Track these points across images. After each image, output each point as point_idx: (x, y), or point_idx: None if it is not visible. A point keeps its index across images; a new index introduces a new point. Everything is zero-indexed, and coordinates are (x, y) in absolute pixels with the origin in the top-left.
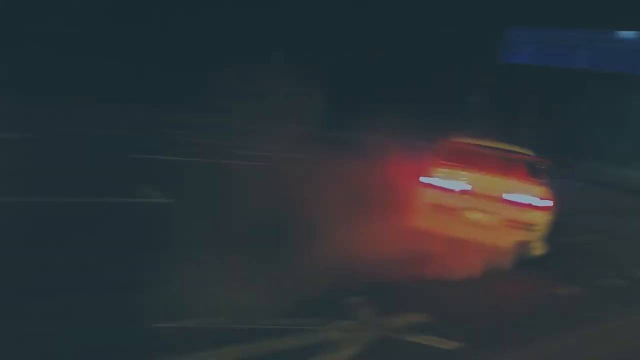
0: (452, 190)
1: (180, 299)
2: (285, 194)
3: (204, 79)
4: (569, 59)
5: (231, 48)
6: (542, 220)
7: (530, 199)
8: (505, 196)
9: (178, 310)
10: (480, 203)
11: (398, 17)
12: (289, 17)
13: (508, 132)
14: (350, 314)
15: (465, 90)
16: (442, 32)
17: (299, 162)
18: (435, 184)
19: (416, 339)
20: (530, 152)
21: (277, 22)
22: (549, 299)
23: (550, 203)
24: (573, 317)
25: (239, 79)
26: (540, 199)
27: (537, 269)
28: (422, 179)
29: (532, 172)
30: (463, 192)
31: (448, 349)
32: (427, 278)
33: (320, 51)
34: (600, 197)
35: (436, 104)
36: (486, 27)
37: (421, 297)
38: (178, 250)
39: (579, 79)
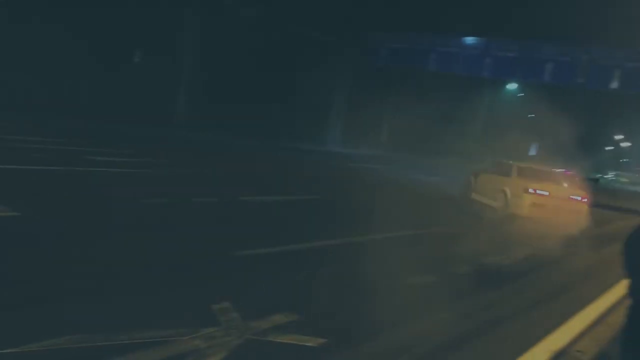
0: (542, 195)
1: (26, 320)
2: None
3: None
4: (422, 61)
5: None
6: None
7: (579, 197)
8: (570, 197)
9: (21, 333)
10: (558, 201)
11: (263, 20)
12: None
13: (368, 133)
14: (214, 320)
15: (325, 92)
16: (303, 34)
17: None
18: (533, 191)
19: (281, 339)
20: (569, 170)
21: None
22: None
23: (587, 199)
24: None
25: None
26: (582, 197)
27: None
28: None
29: (575, 181)
30: (548, 195)
31: (312, 345)
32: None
33: (182, 51)
34: None
35: (298, 109)
36: (344, 31)
37: (287, 296)
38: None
39: (432, 81)
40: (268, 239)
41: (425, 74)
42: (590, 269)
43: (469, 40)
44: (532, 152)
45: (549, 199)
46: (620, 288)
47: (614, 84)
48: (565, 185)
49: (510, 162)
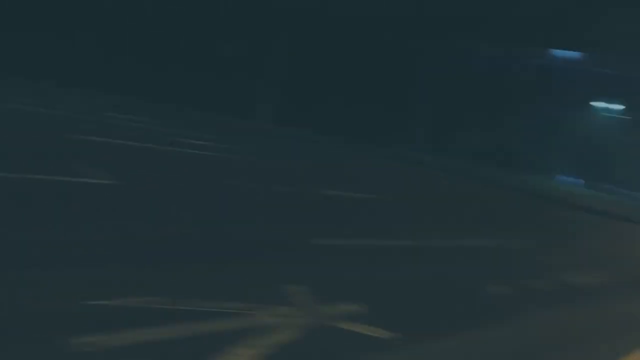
0: None
1: (114, 278)
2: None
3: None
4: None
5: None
6: None
7: None
8: None
9: (111, 288)
10: None
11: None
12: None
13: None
14: (287, 300)
15: (412, 96)
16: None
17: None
18: None
19: (351, 327)
20: None
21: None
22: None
23: None
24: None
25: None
26: None
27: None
28: None
29: None
30: None
31: (381, 337)
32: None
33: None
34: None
35: (380, 110)
36: (431, 38)
37: (361, 286)
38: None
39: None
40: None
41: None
42: None
43: (565, 53)
44: None
45: None
46: None
47: None
48: None
49: None
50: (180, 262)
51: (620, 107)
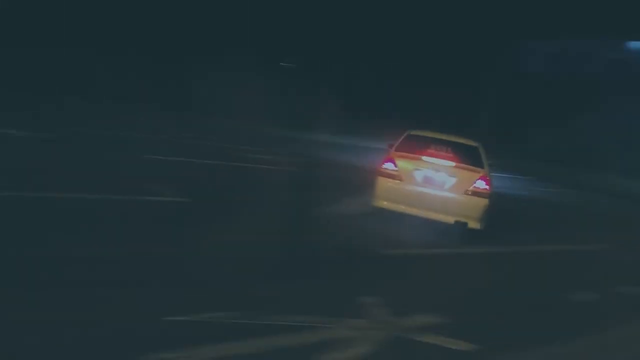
0: None
1: (192, 293)
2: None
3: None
4: (578, 68)
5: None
6: None
7: None
8: None
9: (190, 304)
10: None
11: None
12: (300, 22)
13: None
14: (363, 313)
15: (475, 101)
16: (450, 42)
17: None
18: None
19: (430, 340)
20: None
21: (287, 26)
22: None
23: None
24: (590, 323)
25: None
26: None
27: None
28: None
29: None
30: None
31: (462, 349)
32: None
33: (331, 58)
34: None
35: (446, 114)
36: (496, 38)
37: (435, 298)
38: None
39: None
40: None
41: (583, 80)
42: None
43: (635, 45)
44: None
45: None
46: None
47: None
48: None
49: None
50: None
51: None
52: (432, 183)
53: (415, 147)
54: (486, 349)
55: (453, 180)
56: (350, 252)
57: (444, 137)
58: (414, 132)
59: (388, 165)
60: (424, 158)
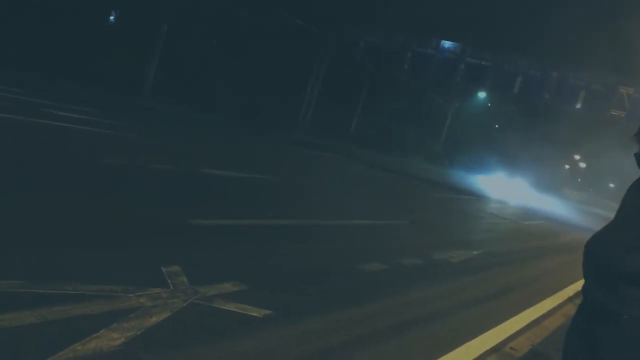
0: None
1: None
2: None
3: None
4: (397, 59)
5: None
6: None
7: None
8: None
9: None
10: None
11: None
12: None
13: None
14: (163, 282)
15: (301, 80)
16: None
17: None
18: None
19: (227, 306)
20: None
21: None
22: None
23: None
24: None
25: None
26: None
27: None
28: None
29: None
30: None
31: (256, 315)
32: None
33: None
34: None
35: (272, 94)
36: (323, 24)
37: (237, 266)
38: None
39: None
40: None
41: (399, 72)
42: None
43: (446, 44)
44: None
45: None
46: None
47: (579, 104)
48: None
49: None
50: (52, 244)
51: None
52: None
53: None
54: (277, 314)
55: None
56: (158, 222)
57: None
58: None
59: None
60: None
